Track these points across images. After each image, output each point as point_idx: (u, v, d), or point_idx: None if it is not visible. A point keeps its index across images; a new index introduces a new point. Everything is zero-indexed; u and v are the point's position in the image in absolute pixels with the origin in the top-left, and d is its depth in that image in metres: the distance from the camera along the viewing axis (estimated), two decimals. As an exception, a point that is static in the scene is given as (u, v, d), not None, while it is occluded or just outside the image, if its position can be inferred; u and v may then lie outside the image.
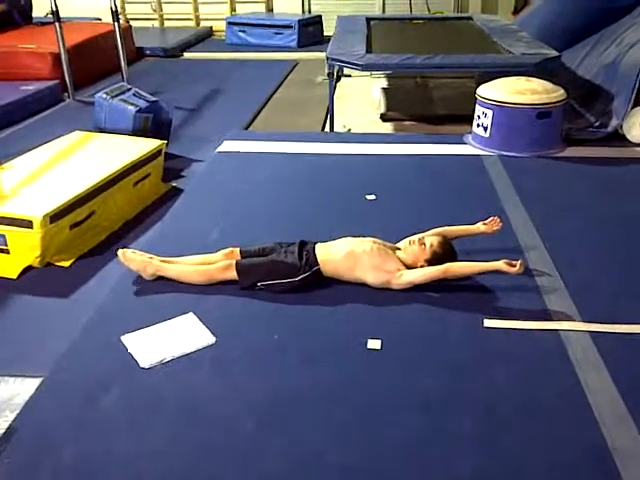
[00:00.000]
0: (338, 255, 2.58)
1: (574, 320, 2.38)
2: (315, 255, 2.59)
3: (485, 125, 4.12)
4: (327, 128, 5.04)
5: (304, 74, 7.12)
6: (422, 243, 2.60)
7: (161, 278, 2.65)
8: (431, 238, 2.63)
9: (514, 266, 2.43)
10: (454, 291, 2.56)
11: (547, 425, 1.91)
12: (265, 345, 2.29)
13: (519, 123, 4.02)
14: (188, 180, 4.00)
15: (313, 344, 2.28)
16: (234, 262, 2.60)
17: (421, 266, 2.57)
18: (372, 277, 2.55)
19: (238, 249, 2.71)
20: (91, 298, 2.72)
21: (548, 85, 4.10)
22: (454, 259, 2.60)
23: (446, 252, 2.60)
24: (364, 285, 2.58)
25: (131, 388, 2.08)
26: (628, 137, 4.28)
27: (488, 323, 2.36)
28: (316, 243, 2.65)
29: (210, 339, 2.31)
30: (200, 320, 2.41)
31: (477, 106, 4.25)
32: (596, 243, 2.99)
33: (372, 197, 3.48)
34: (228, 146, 4.37)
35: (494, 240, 2.80)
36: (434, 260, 2.56)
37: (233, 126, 5.01)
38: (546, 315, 2.42)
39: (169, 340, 2.31)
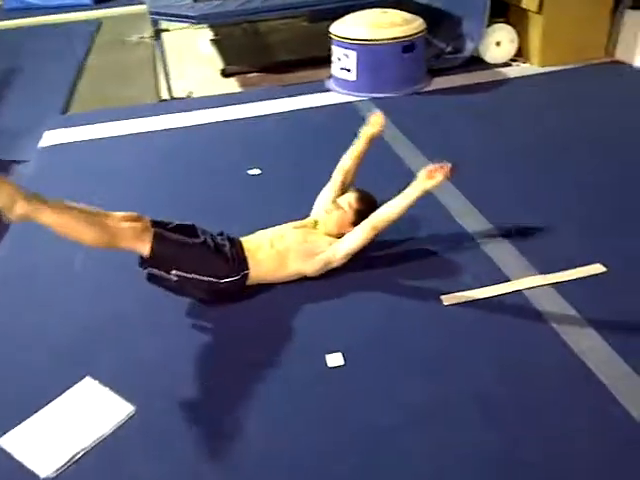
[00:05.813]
0: (262, 256, 2.10)
1: (529, 273, 2.15)
2: (245, 256, 2.08)
3: (348, 67, 3.75)
4: (161, 95, 4.36)
5: (113, 35, 6.16)
6: (339, 207, 2.25)
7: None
8: (346, 197, 2.29)
9: (439, 170, 2.02)
10: (399, 272, 2.22)
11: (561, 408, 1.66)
12: (198, 393, 1.77)
13: (386, 61, 3.70)
14: (15, 189, 3.17)
15: (262, 379, 1.81)
16: (152, 230, 1.93)
17: (349, 232, 2.19)
18: (309, 266, 2.14)
19: (148, 218, 1.99)
20: None
21: (406, 15, 3.80)
22: (377, 207, 2.22)
23: (368, 205, 2.25)
24: (294, 282, 2.15)
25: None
26: (485, 59, 4.17)
27: (447, 300, 2.05)
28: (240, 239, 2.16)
29: (127, 408, 1.74)
30: (102, 384, 1.82)
31: (334, 47, 3.84)
32: (509, 180, 2.80)
33: (256, 171, 2.98)
34: (52, 138, 3.56)
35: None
36: (360, 219, 2.20)
37: (48, 110, 4.14)
38: (499, 274, 2.17)
39: (71, 426, 1.70)
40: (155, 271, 1.97)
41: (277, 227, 2.24)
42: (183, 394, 1.78)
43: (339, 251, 2.15)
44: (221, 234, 2.15)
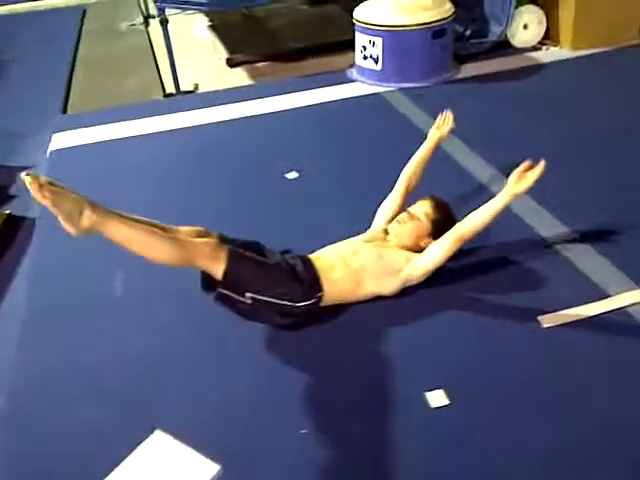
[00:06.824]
0: (336, 275, 1.89)
1: (627, 285, 1.96)
2: (319, 277, 1.87)
3: (375, 56, 3.50)
4: (166, 89, 4.07)
5: (100, 22, 5.82)
6: (414, 217, 2.03)
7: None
8: (420, 206, 2.06)
9: (529, 171, 1.82)
10: (482, 287, 2.01)
11: None
12: (294, 448, 1.56)
13: (414, 48, 3.46)
14: (25, 200, 2.87)
15: (362, 424, 1.60)
16: (226, 248, 1.73)
17: (425, 244, 2.00)
18: (387, 286, 1.95)
19: (216, 234, 1.86)
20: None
21: (433, -3, 3.56)
22: (453, 216, 2.05)
23: (445, 213, 2.05)
24: (366, 302, 1.94)
25: None
26: (513, 43, 3.96)
27: (546, 322, 1.86)
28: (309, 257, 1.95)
29: (211, 468, 1.52)
30: (175, 438, 1.59)
31: (358, 34, 3.59)
32: (572, 175, 2.59)
33: (294, 175, 2.74)
34: (62, 140, 3.27)
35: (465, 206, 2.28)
36: (437, 229, 2.01)
37: (47, 108, 3.87)
38: (591, 286, 1.98)
39: (149, 493, 1.47)
40: (228, 292, 1.75)
41: (348, 241, 2.03)
42: (273, 446, 1.56)
43: (419, 268, 1.94)
44: (287, 252, 1.96)
